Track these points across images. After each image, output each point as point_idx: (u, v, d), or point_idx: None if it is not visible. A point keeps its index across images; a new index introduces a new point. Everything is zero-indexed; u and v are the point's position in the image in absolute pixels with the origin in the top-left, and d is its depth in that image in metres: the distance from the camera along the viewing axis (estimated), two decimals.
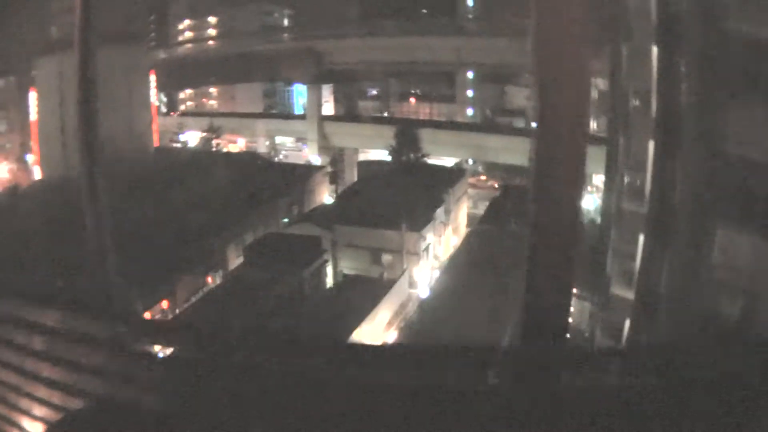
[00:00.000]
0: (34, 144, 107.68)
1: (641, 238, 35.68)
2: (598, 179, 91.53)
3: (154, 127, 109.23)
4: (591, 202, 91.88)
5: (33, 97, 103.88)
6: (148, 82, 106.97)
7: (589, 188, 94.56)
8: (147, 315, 55.30)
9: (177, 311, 58.29)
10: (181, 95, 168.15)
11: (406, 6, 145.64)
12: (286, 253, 60.81)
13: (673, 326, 31.58)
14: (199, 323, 50.64)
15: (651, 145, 35.54)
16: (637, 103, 40.64)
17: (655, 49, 35.50)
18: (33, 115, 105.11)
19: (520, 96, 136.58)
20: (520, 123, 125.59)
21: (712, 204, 28.17)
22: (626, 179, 41.05)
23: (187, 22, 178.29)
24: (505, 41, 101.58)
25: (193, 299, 60.10)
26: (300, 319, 50.75)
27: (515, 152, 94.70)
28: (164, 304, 58.50)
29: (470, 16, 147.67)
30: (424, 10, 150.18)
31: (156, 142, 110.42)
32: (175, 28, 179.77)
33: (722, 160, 27.32)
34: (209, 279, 65.10)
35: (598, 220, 76.19)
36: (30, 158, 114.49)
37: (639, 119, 39.38)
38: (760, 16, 25.43)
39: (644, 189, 36.43)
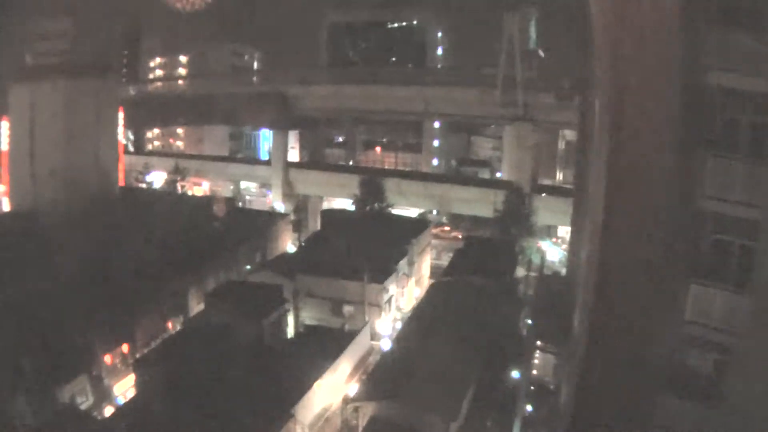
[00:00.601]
0: (3, 174, 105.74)
1: None
2: (564, 232, 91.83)
3: (120, 165, 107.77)
4: (556, 253, 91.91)
5: (5, 126, 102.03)
6: (116, 119, 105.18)
7: (554, 240, 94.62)
8: (108, 358, 54.58)
9: (137, 355, 57.10)
10: (149, 134, 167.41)
11: (376, 53, 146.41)
12: (247, 300, 60.01)
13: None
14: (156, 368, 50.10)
15: None
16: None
17: None
18: (4, 144, 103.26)
19: (486, 146, 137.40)
20: (485, 174, 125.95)
21: (685, 258, 27.42)
22: None
23: (158, 60, 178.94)
24: (473, 91, 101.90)
25: (153, 344, 58.98)
26: (259, 369, 49.38)
27: (480, 203, 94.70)
28: (124, 347, 57.33)
29: (439, 66, 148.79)
30: (393, 58, 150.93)
31: (121, 181, 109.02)
32: (146, 65, 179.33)
33: (696, 213, 26.70)
34: (170, 324, 63.88)
35: (563, 272, 76.22)
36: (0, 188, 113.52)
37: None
38: (739, 66, 24.91)
39: None
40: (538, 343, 54.37)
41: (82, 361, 51.46)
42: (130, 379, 53.56)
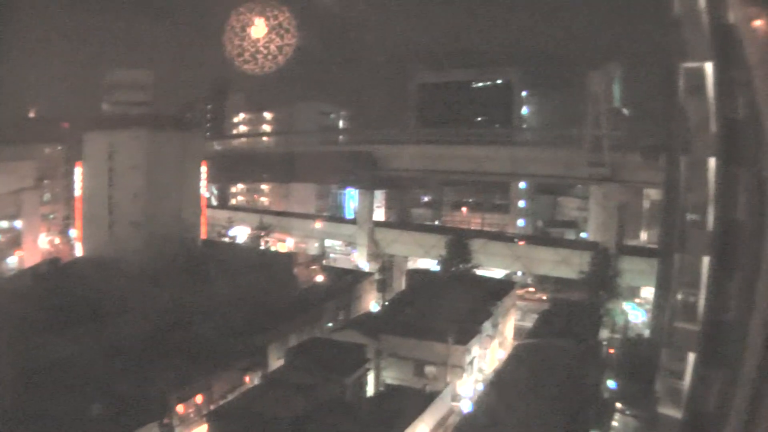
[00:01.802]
0: (77, 219, 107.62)
1: (691, 356, 34.20)
2: (647, 293, 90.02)
3: (203, 219, 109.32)
4: (639, 315, 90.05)
5: (78, 171, 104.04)
6: (199, 173, 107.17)
7: (637, 301, 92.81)
8: (180, 407, 54.66)
9: (210, 407, 57.12)
10: (233, 189, 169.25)
11: (462, 113, 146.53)
12: (329, 359, 59.93)
13: None
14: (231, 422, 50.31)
15: (706, 260, 34.24)
16: (693, 216, 39.34)
17: (713, 162, 34.43)
18: (78, 189, 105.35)
19: (572, 207, 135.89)
20: (571, 234, 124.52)
21: None
22: (679, 295, 39.45)
23: (242, 116, 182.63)
24: (559, 152, 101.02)
25: (229, 396, 59.08)
26: (337, 428, 49.10)
27: (565, 265, 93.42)
28: (198, 398, 57.44)
29: (524, 125, 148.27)
30: (480, 118, 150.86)
31: (204, 235, 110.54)
32: (230, 121, 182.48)
33: None
34: (247, 378, 63.61)
35: (646, 334, 74.68)
36: (73, 233, 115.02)
37: (695, 233, 38.01)
38: None
39: (697, 306, 35.04)
40: (618, 405, 53.33)
41: (153, 409, 51.36)
42: (203, 429, 53.75)
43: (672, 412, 37.32)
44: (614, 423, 53.00)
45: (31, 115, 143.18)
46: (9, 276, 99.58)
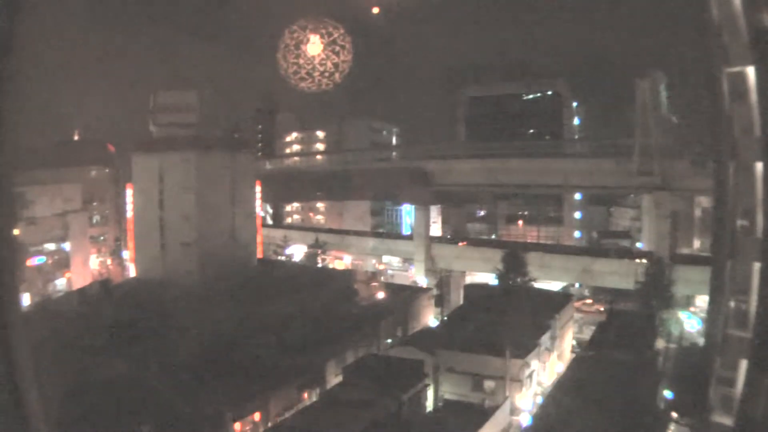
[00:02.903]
0: (129, 240, 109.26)
1: (743, 364, 34.11)
2: (701, 301, 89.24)
3: (258, 238, 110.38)
4: (694, 324, 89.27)
5: (129, 193, 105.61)
6: (253, 193, 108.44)
7: (692, 310, 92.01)
8: (238, 425, 55.14)
9: (268, 424, 57.77)
10: (288, 208, 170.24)
11: (513, 126, 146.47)
12: (387, 375, 60.12)
13: None
14: None
15: (756, 267, 34.17)
16: (743, 222, 39.19)
17: (760, 166, 34.43)
18: (129, 211, 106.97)
19: (625, 217, 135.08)
20: (625, 244, 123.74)
21: None
22: (731, 302, 39.29)
23: (294, 135, 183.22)
24: (610, 162, 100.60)
25: (287, 414, 59.43)
26: None
27: (621, 275, 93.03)
28: (256, 416, 57.99)
29: (576, 136, 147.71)
30: (531, 130, 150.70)
31: (260, 253, 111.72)
32: (282, 140, 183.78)
33: None
34: (305, 395, 64.18)
35: (701, 343, 73.98)
36: (126, 254, 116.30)
37: (745, 240, 37.91)
38: None
39: (749, 313, 34.95)
40: (674, 415, 53.06)
41: (209, 427, 52.18)
42: None
43: (724, 420, 37.22)
44: None
45: (76, 137, 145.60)
46: (58, 297, 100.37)
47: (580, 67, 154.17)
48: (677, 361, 67.00)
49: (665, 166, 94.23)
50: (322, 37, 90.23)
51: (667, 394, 59.39)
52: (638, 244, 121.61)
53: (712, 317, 48.20)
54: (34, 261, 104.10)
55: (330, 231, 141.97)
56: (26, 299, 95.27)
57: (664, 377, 63.22)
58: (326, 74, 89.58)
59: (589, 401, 52.47)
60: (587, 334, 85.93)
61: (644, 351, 65.94)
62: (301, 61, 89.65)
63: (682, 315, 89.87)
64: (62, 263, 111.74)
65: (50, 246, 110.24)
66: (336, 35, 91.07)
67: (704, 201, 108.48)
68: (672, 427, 52.76)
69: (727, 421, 36.72)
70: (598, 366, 62.23)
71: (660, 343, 74.37)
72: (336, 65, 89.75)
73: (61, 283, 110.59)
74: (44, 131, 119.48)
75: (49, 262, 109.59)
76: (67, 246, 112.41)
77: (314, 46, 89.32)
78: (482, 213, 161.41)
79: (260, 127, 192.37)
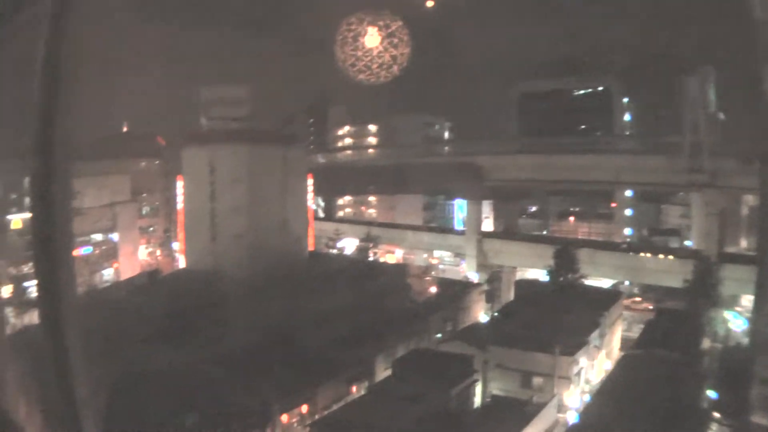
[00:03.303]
0: (179, 232, 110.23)
1: None
2: (747, 300, 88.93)
3: (310, 231, 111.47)
4: (740, 324, 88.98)
5: (180, 185, 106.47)
6: (304, 186, 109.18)
7: (738, 309, 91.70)
8: (285, 417, 55.80)
9: (316, 417, 58.32)
10: (340, 201, 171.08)
11: (564, 122, 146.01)
12: (436, 370, 60.45)
13: None
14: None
15: None
16: None
17: None
18: (179, 203, 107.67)
19: (675, 214, 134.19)
20: (675, 243, 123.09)
21: None
22: None
23: (346, 129, 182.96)
24: (660, 159, 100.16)
25: (334, 407, 60.10)
26: None
27: (670, 273, 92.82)
28: (304, 408, 58.75)
29: (627, 133, 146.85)
30: (582, 126, 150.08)
31: (311, 246, 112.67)
32: (334, 134, 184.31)
33: None
34: (353, 388, 64.85)
35: (744, 342, 73.93)
36: (175, 246, 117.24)
37: None
38: None
39: None
40: (716, 415, 53.31)
41: (255, 419, 52.71)
42: None
43: (765, 421, 37.62)
44: None
45: (124, 130, 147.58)
46: (104, 287, 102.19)
47: (631, 62, 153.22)
48: (722, 361, 67.10)
49: (714, 164, 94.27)
50: (380, 29, 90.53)
51: (711, 394, 59.68)
52: (687, 242, 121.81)
53: (757, 317, 48.63)
54: (80, 251, 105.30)
55: (382, 225, 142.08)
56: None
57: (709, 377, 63.49)
58: (384, 67, 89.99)
59: (634, 400, 53.10)
60: (636, 332, 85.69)
61: (690, 350, 66.20)
62: (359, 54, 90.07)
63: (728, 314, 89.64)
64: (110, 254, 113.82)
65: (97, 236, 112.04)
66: (394, 27, 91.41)
67: (752, 199, 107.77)
68: (714, 427, 53.08)
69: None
70: (645, 365, 62.61)
71: (706, 343, 74.53)
72: (394, 58, 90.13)
73: (108, 274, 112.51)
74: (94, 124, 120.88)
75: (96, 252, 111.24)
76: (115, 237, 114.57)
77: (372, 38, 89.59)
78: (534, 209, 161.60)
79: (312, 120, 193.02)
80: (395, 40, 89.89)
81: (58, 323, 9.57)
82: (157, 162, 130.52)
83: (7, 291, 74.74)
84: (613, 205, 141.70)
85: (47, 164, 8.75)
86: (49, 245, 9.04)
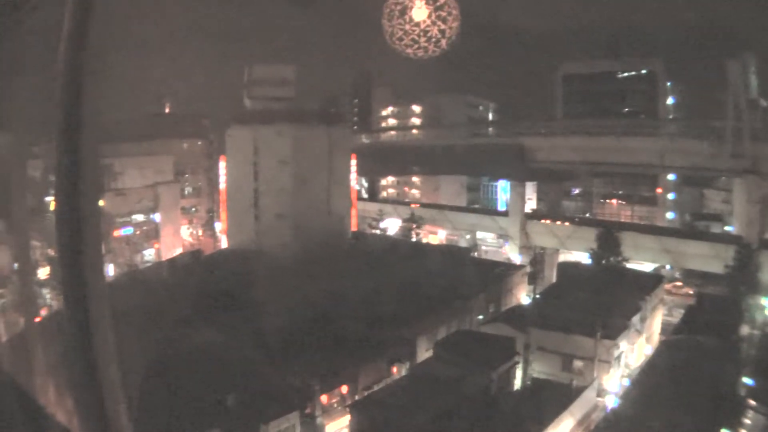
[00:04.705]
0: (222, 212, 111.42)
1: None
2: None
3: (354, 211, 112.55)
4: None
5: (222, 165, 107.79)
6: (348, 166, 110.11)
7: None
8: (325, 398, 56.47)
9: (356, 397, 58.88)
10: (383, 182, 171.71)
11: (608, 104, 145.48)
12: (478, 351, 60.81)
13: None
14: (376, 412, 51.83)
15: None
16: None
17: None
18: (222, 183, 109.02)
19: (717, 200, 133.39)
20: (717, 228, 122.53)
21: None
22: None
23: (390, 109, 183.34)
24: (703, 143, 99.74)
25: (375, 387, 60.60)
26: (483, 421, 51.06)
27: (711, 259, 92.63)
28: (344, 388, 59.25)
29: (671, 116, 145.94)
30: (626, 109, 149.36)
31: (354, 227, 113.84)
32: (378, 114, 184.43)
33: None
34: (395, 369, 65.23)
35: None
36: (218, 226, 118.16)
37: None
38: None
39: None
40: (752, 402, 53.45)
41: (295, 398, 53.17)
42: (346, 420, 55.17)
43: None
44: (747, 421, 53.26)
45: (167, 110, 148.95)
46: (146, 267, 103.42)
47: (676, 46, 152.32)
48: (759, 348, 67.23)
49: (756, 150, 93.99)
50: (428, 2, 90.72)
51: (748, 381, 59.87)
52: (728, 228, 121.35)
53: None
54: (121, 232, 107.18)
55: (425, 205, 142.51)
56: (111, 270, 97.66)
57: (746, 364, 63.66)
58: (433, 41, 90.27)
59: (673, 386, 53.64)
60: (676, 316, 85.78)
61: (730, 337, 66.44)
62: (407, 27, 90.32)
63: (767, 301, 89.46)
64: (151, 234, 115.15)
65: (139, 217, 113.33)
66: (443, 1, 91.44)
67: None
68: (750, 414, 53.31)
69: None
70: (685, 350, 62.94)
71: (744, 330, 74.59)
72: (443, 32, 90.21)
73: (149, 254, 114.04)
74: (136, 104, 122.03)
75: (138, 232, 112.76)
76: (157, 217, 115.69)
77: (420, 11, 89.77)
78: (577, 191, 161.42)
79: (356, 100, 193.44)
80: (443, 14, 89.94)
81: (83, 305, 10.20)
82: (200, 142, 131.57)
83: (44, 273, 76.06)
84: (659, 190, 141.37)
85: (72, 142, 9.23)
86: (73, 226, 9.60)
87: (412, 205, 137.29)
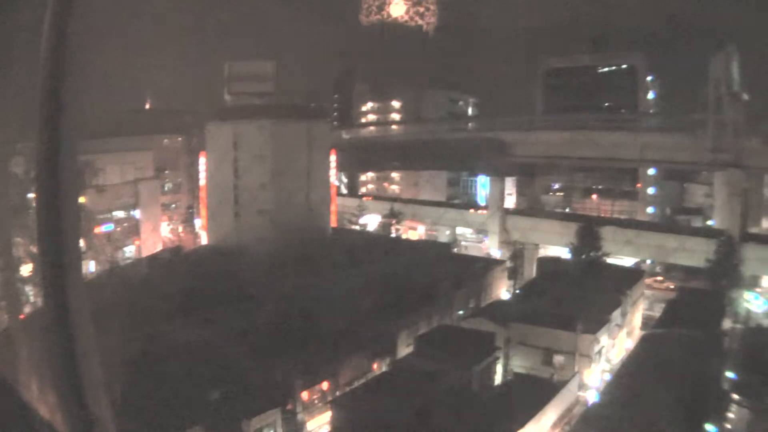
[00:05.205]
0: (201, 208, 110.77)
1: None
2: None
3: (333, 207, 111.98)
4: (761, 305, 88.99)
5: (202, 161, 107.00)
6: (328, 161, 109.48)
7: (759, 290, 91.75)
8: (305, 394, 55.97)
9: (337, 393, 58.45)
10: (363, 177, 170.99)
11: (589, 99, 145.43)
12: (458, 346, 60.74)
13: None
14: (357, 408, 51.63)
15: None
16: None
17: None
18: (202, 179, 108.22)
19: (699, 194, 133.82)
20: (697, 222, 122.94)
21: None
22: None
23: (370, 105, 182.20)
24: (684, 137, 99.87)
25: (356, 383, 60.21)
26: (464, 415, 50.73)
27: (693, 253, 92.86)
28: (325, 384, 58.83)
29: (651, 111, 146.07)
30: (606, 104, 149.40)
31: (334, 222, 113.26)
32: (358, 110, 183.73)
33: None
34: (375, 365, 65.02)
35: (765, 324, 74.02)
36: (198, 222, 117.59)
37: None
38: None
39: None
40: (735, 396, 53.58)
41: (277, 395, 52.93)
42: (327, 416, 54.92)
43: None
44: (730, 414, 53.40)
45: (147, 106, 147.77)
46: (126, 264, 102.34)
47: (656, 40, 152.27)
48: (742, 342, 67.38)
49: (737, 144, 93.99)
50: None
51: (731, 374, 59.98)
52: (710, 222, 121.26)
53: None
54: (102, 228, 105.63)
55: (405, 201, 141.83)
56: (92, 266, 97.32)
57: (729, 358, 63.77)
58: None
59: (654, 380, 53.51)
60: (657, 311, 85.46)
61: (711, 331, 66.46)
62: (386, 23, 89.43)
63: (749, 295, 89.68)
64: (132, 230, 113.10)
65: (119, 213, 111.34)
66: None
67: None
68: (733, 408, 53.39)
69: None
70: (666, 344, 62.87)
71: (726, 323, 74.69)
72: (420, 27, 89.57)
73: (130, 251, 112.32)
74: (116, 100, 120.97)
75: (118, 229, 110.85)
76: (137, 213, 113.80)
77: (398, 6, 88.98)
78: (557, 186, 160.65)
79: (337, 96, 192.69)
80: (421, 9, 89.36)
81: (62, 303, 9.89)
82: (180, 138, 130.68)
83: (27, 270, 75.32)
84: (638, 185, 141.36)
85: (53, 131, 8.97)
86: (52, 224, 9.29)
87: (393, 202, 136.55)
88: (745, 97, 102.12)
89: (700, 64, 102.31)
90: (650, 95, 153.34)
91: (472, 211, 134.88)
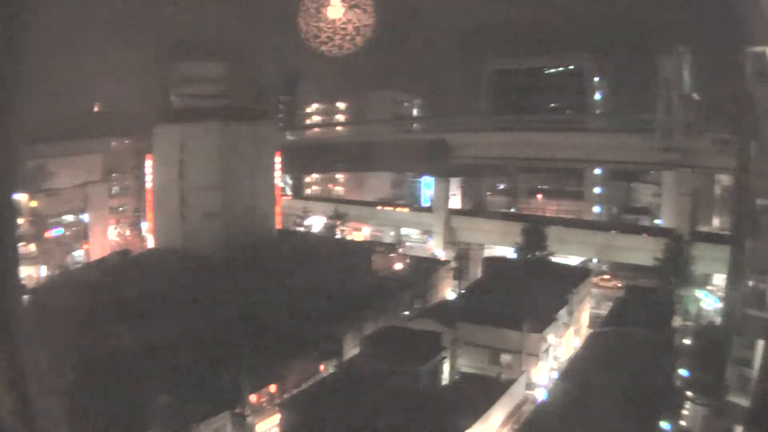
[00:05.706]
0: (148, 211, 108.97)
1: (761, 344, 34.16)
2: (719, 279, 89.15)
3: (278, 209, 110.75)
4: (711, 303, 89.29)
5: (149, 164, 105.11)
6: (273, 163, 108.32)
7: (710, 288, 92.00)
8: (254, 397, 55.27)
9: (285, 395, 57.84)
10: (307, 179, 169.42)
11: (535, 100, 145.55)
12: (405, 347, 60.19)
13: None
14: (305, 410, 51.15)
15: None
16: (764, 201, 39.08)
17: None
18: (148, 182, 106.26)
19: (646, 193, 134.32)
20: (645, 221, 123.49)
21: None
22: (750, 282, 39.31)
23: (315, 106, 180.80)
24: (632, 138, 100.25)
25: (304, 385, 59.71)
26: (412, 415, 49.65)
27: (640, 252, 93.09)
28: (272, 387, 58.05)
29: (598, 111, 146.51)
30: (553, 105, 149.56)
31: (279, 225, 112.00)
32: (303, 111, 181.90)
33: None
34: (322, 367, 64.48)
35: (717, 322, 74.07)
36: (144, 225, 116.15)
37: (765, 219, 37.85)
38: None
39: None
40: (689, 394, 53.21)
41: (225, 399, 52.52)
42: (276, 418, 54.44)
43: (740, 400, 37.31)
44: (684, 412, 52.95)
45: (96, 109, 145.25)
46: (76, 268, 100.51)
47: (604, 41, 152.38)
48: (694, 339, 67.25)
49: (687, 144, 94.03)
50: (343, 0, 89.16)
51: (684, 372, 59.59)
52: (658, 221, 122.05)
53: (730, 297, 48.28)
54: (52, 232, 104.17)
55: (349, 202, 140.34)
56: (44, 271, 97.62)
57: (681, 356, 63.44)
58: (347, 38, 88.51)
59: (605, 378, 52.74)
60: (605, 309, 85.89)
61: (661, 328, 66.14)
62: (322, 25, 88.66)
63: (700, 293, 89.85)
64: (81, 234, 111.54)
65: (69, 217, 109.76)
66: None
67: (725, 179, 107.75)
68: (688, 406, 52.95)
69: (744, 401, 36.87)
70: (615, 342, 62.53)
71: (677, 321, 74.53)
72: (357, 29, 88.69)
73: (79, 255, 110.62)
74: (64, 103, 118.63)
75: (68, 233, 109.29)
76: (86, 217, 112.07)
77: (335, 9, 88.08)
78: (502, 186, 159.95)
79: (282, 97, 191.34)
80: (358, 11, 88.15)
81: (6, 311, 8.54)
82: (127, 141, 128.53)
83: None
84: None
85: None
86: None
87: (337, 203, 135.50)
88: (696, 97, 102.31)
89: (650, 65, 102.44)
90: (597, 96, 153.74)
91: (408, 210, 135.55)
